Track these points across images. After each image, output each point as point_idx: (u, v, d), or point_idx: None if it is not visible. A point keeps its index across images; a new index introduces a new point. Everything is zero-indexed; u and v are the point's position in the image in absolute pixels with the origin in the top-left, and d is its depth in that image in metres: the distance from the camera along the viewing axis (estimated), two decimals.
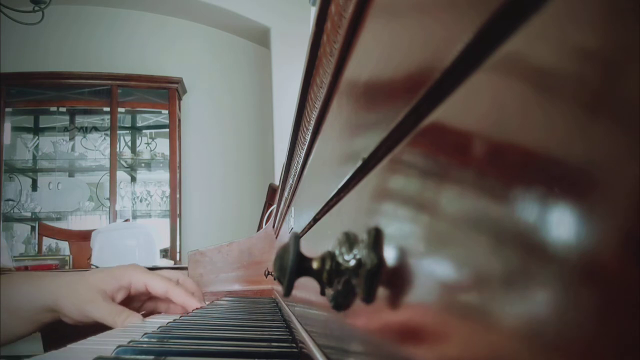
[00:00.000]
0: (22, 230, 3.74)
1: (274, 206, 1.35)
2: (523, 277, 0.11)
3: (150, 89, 3.71)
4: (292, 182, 0.71)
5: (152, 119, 3.90)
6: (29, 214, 3.68)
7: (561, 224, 0.10)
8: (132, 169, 3.87)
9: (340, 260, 0.23)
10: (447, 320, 0.15)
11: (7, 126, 3.65)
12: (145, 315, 0.88)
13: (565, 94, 0.10)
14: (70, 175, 3.85)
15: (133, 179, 3.90)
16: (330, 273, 0.24)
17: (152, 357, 0.43)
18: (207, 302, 1.01)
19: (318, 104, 0.40)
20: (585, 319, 0.09)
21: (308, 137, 0.48)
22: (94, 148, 3.74)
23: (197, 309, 0.88)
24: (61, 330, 0.85)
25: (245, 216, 3.63)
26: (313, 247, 0.42)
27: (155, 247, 2.70)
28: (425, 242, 0.17)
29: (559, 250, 0.10)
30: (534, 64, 0.11)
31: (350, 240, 0.24)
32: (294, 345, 0.51)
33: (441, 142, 0.16)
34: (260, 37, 3.81)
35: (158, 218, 3.79)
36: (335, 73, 0.33)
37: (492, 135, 0.13)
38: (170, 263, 3.32)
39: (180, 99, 3.83)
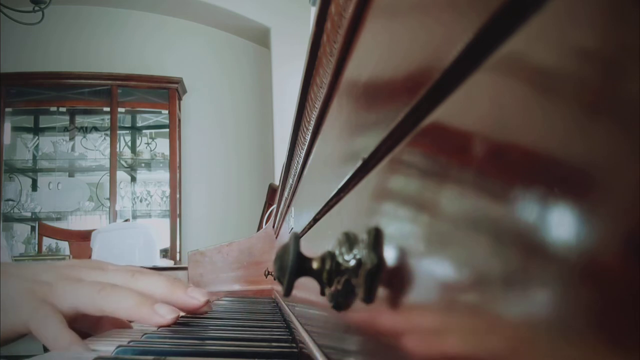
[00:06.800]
0: (22, 230, 3.75)
1: (274, 206, 1.35)
2: (523, 277, 0.11)
3: (150, 89, 3.71)
4: (292, 182, 0.71)
5: (152, 119, 3.89)
6: (29, 214, 3.68)
7: (561, 224, 0.10)
8: (132, 169, 3.87)
9: (340, 260, 0.23)
10: (447, 320, 0.15)
11: (7, 126, 3.65)
12: None
13: (565, 94, 0.10)
14: (70, 175, 3.85)
15: (133, 179, 3.90)
16: (330, 273, 0.24)
17: (152, 357, 0.42)
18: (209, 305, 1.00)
19: (318, 104, 0.40)
20: (585, 318, 0.09)
21: (308, 137, 0.48)
22: (94, 148, 3.74)
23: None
24: None
25: (245, 216, 3.63)
26: (313, 247, 0.42)
27: (155, 247, 2.70)
28: (425, 242, 0.17)
29: (559, 250, 0.10)
30: (534, 64, 0.11)
31: (350, 240, 0.24)
32: (294, 345, 0.51)
33: (441, 142, 0.16)
34: (260, 37, 3.81)
35: (158, 218, 3.79)
36: (335, 73, 0.33)
37: (492, 136, 0.13)
38: (170, 263, 3.32)
39: (180, 99, 3.83)
